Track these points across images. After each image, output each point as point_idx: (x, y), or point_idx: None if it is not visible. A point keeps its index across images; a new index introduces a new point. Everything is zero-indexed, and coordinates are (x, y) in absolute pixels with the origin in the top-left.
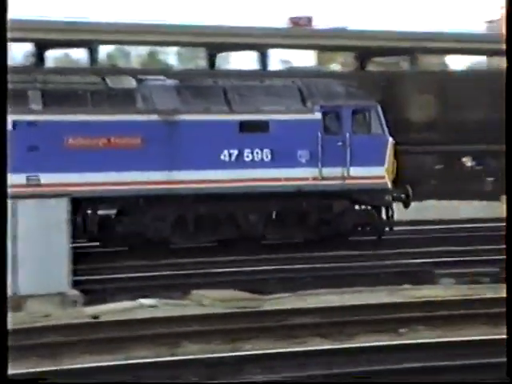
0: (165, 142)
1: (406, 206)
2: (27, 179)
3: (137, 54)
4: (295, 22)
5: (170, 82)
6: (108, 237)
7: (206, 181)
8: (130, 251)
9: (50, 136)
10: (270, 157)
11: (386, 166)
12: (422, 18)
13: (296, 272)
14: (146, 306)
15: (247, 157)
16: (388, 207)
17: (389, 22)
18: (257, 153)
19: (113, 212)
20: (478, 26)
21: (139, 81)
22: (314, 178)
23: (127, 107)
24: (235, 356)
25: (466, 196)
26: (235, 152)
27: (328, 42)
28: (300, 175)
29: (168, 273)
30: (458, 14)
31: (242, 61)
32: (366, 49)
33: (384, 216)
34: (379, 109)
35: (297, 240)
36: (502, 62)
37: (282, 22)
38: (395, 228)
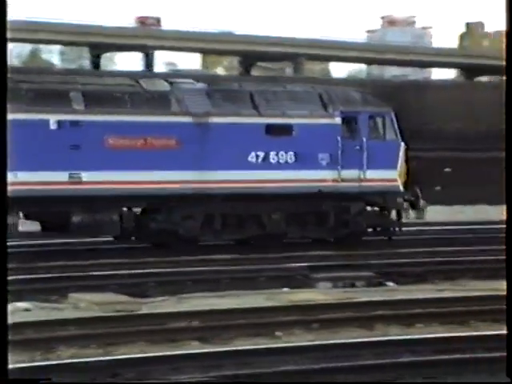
0: (197, 143)
1: (415, 207)
2: (69, 176)
3: (17, 53)
4: (142, 20)
5: (200, 85)
6: (142, 233)
7: (234, 181)
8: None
9: (91, 135)
10: (293, 159)
11: (398, 169)
12: (307, 25)
13: (176, 275)
14: (21, 310)
15: (273, 159)
16: (398, 209)
17: (274, 28)
18: (282, 155)
19: (144, 209)
20: (359, 35)
21: (171, 84)
22: (334, 180)
23: (162, 109)
24: (109, 360)
25: None
26: (262, 154)
27: (213, 46)
28: (321, 177)
29: (45, 276)
30: (340, 22)
31: (128, 62)
32: (250, 53)
33: (394, 217)
34: (393, 115)
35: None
36: (381, 71)
37: (129, 21)
38: None
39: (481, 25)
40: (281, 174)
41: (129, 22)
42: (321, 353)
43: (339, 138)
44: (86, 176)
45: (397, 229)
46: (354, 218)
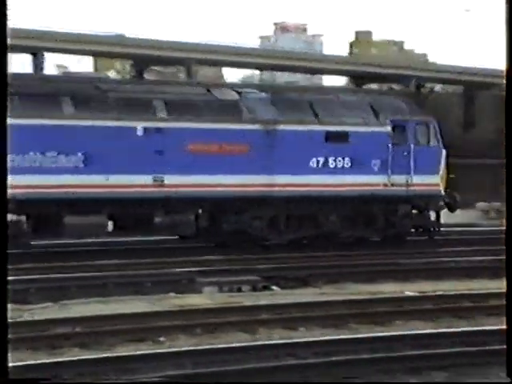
0: (265, 149)
1: (453, 210)
2: (153, 179)
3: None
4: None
5: (263, 94)
6: (215, 234)
7: (297, 185)
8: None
9: (173, 141)
10: (349, 164)
11: (440, 174)
12: (201, 30)
13: (61, 281)
14: None
15: (331, 164)
16: (438, 211)
17: (167, 32)
18: (339, 160)
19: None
20: (253, 41)
21: (239, 93)
22: (385, 185)
23: (234, 117)
24: None
25: None
26: (322, 159)
27: (104, 49)
28: (373, 181)
29: None
30: (234, 28)
31: (17, 63)
32: (141, 57)
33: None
34: (436, 123)
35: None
36: (273, 77)
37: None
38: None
39: (369, 33)
40: (338, 179)
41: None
42: (203, 357)
43: (389, 145)
44: (167, 179)
45: (437, 229)
46: (401, 219)
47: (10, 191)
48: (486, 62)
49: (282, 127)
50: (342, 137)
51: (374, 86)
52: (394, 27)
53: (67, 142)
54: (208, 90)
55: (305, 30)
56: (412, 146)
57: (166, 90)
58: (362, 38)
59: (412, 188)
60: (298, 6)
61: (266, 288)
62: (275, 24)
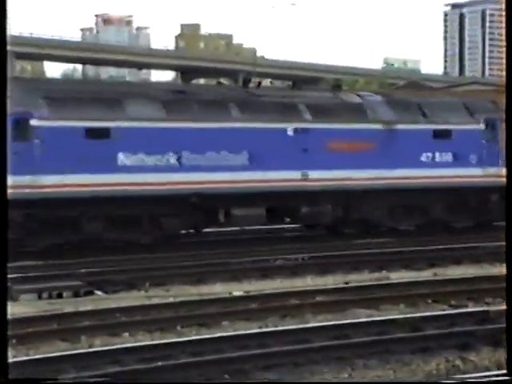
0: (385, 146)
1: None
2: (301, 175)
3: None
4: None
5: (378, 97)
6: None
7: (412, 177)
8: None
9: (315, 140)
10: (452, 159)
11: None
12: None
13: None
14: None
15: (438, 158)
16: None
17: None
18: (444, 155)
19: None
20: (74, 34)
21: (360, 96)
22: (480, 176)
23: (361, 118)
24: None
25: None
26: (430, 154)
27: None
28: (471, 174)
29: None
30: (54, 19)
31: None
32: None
33: None
34: None
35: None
36: (97, 71)
37: None
38: None
39: (197, 26)
40: (443, 171)
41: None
42: (16, 370)
43: (483, 141)
44: (311, 174)
45: None
46: (493, 207)
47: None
48: (313, 57)
49: (398, 126)
50: (447, 134)
51: (201, 81)
52: (224, 21)
53: (235, 142)
54: (334, 94)
55: (129, 22)
56: (500, 141)
57: (306, 94)
58: (188, 31)
59: (500, 179)
60: None
61: (89, 293)
62: (97, 16)
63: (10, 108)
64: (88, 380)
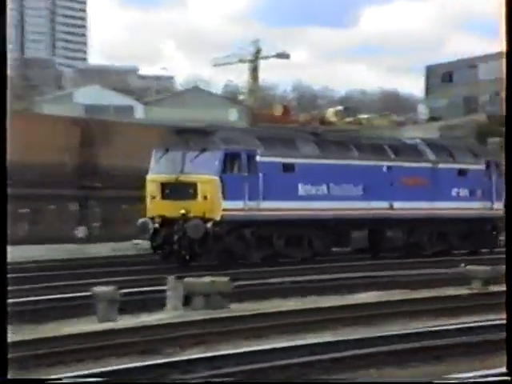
0: (432, 182)
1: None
2: (389, 204)
3: None
4: None
5: (419, 140)
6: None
7: (446, 208)
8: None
9: (397, 176)
10: (468, 193)
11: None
12: None
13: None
14: None
15: (460, 193)
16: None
17: None
18: (463, 190)
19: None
20: None
21: (414, 140)
22: (488, 209)
23: (418, 157)
24: None
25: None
26: (456, 189)
27: None
28: (480, 206)
29: None
30: None
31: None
32: None
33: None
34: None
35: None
36: None
37: None
38: None
39: None
40: (464, 204)
41: None
42: None
43: (485, 179)
44: (395, 204)
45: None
46: (493, 233)
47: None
48: None
49: (440, 165)
50: (465, 173)
51: None
52: None
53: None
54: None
55: None
56: (495, 179)
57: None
58: None
59: (493, 212)
60: None
61: None
62: None
63: None
64: (88, 380)
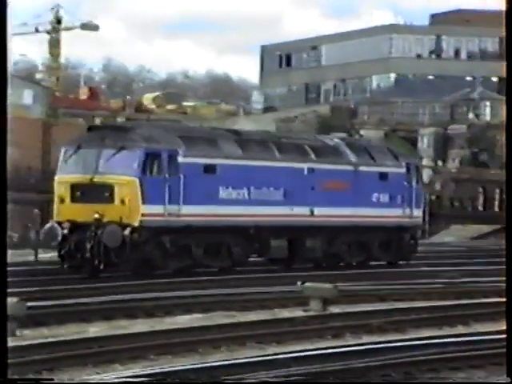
0: (353, 185)
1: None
2: (310, 211)
3: None
4: None
5: (337, 140)
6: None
7: (366, 216)
8: None
9: (317, 180)
10: (388, 199)
11: (422, 208)
12: None
13: None
14: None
15: (381, 198)
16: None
17: None
18: (384, 195)
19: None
20: None
21: (331, 139)
22: (408, 217)
23: (340, 159)
24: None
25: None
26: (376, 195)
27: None
28: (400, 214)
29: None
30: None
31: None
32: None
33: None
34: (419, 164)
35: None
36: None
37: None
38: None
39: None
40: (383, 211)
41: None
42: None
43: (405, 183)
44: (316, 210)
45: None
46: (411, 242)
47: None
48: None
49: (361, 168)
50: (386, 176)
51: None
52: None
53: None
54: (314, 137)
55: None
56: (414, 184)
57: (306, 137)
58: None
59: (412, 219)
60: None
61: None
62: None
63: None
64: (88, 380)
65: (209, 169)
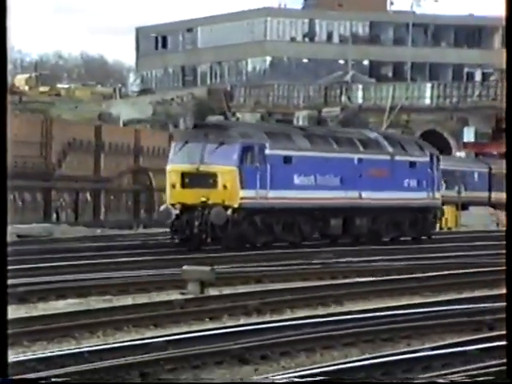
0: (390, 172)
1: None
2: (358, 194)
3: None
4: None
5: (375, 133)
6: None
7: (400, 199)
8: None
9: (365, 168)
10: (416, 184)
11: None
12: None
13: None
14: None
15: (411, 183)
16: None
17: None
18: (413, 181)
19: None
20: None
21: (371, 132)
22: (431, 198)
23: (380, 150)
24: None
25: None
26: (407, 180)
27: None
28: (425, 196)
29: None
30: None
31: None
32: None
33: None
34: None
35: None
36: None
37: None
38: None
39: None
40: (413, 194)
41: None
42: None
43: (429, 170)
44: (364, 194)
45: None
46: (432, 221)
47: None
48: None
49: (396, 158)
50: (414, 164)
51: None
52: None
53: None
54: (359, 131)
55: None
56: (435, 171)
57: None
58: None
59: (434, 201)
60: None
61: None
62: None
63: None
64: (88, 380)
65: (287, 159)
